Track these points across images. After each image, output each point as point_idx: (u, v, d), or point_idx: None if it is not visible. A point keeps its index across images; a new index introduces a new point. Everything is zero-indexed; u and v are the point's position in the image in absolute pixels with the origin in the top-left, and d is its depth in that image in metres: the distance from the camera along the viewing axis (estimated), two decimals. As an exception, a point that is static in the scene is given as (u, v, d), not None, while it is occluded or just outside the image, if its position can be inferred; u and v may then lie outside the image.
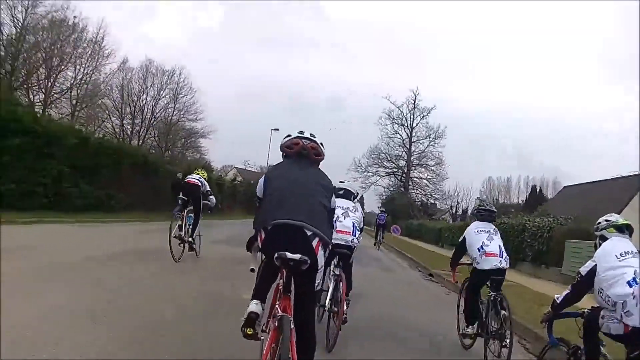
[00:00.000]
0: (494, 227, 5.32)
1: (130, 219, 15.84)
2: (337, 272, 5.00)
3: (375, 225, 23.22)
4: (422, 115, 50.19)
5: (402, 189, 50.37)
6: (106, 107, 43.78)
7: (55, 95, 34.21)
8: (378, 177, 51.75)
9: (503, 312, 4.68)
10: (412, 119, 50.35)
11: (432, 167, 50.01)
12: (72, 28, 34.20)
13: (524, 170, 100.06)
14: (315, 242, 2.83)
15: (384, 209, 26.29)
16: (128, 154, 18.21)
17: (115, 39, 38.20)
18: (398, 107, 50.48)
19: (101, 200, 15.83)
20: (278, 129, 44.10)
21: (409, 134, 50.58)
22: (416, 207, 49.87)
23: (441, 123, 50.98)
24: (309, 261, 2.74)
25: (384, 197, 54.69)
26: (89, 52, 36.76)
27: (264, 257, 3.01)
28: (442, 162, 49.23)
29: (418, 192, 51.79)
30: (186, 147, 51.69)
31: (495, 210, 5.56)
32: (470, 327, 5.19)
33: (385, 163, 51.34)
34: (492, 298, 4.86)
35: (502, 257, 4.98)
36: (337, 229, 4.83)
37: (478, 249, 5.05)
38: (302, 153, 3.21)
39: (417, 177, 51.77)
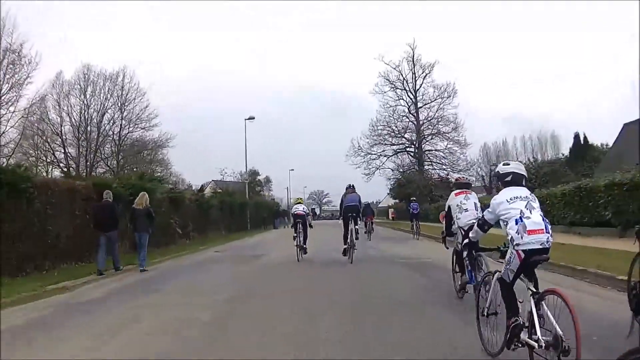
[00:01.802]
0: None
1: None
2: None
3: (410, 215, 22.66)
4: (425, 73, 41.25)
5: (416, 167, 41.24)
6: (43, 133, 36.02)
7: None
8: (385, 159, 42.84)
9: None
10: (414, 79, 41.37)
11: (449, 134, 40.89)
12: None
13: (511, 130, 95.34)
14: None
15: (414, 199, 24.71)
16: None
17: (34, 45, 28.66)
18: (395, 68, 41.51)
19: None
20: (254, 117, 35.39)
21: (414, 98, 41.54)
22: (437, 185, 40.32)
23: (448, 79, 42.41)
24: None
25: (393, 181, 45.81)
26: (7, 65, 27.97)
27: None
28: (459, 125, 40.11)
29: (437, 166, 42.57)
30: (151, 162, 43.75)
31: None
32: None
33: (390, 139, 42.39)
34: None
35: None
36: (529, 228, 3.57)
37: None
38: None
39: (432, 150, 42.51)
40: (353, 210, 11.76)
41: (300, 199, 15.26)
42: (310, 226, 13.11)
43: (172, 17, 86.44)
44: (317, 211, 68.59)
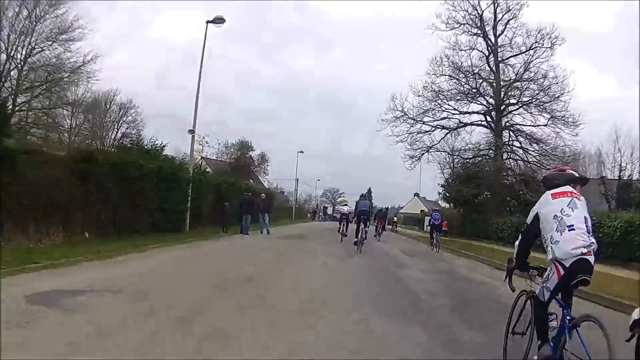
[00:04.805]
0: None
1: None
2: None
3: (430, 225, 20.40)
4: (512, 14, 25.53)
5: (492, 151, 25.44)
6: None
7: None
8: (444, 132, 27.05)
9: None
10: (494, 21, 25.91)
11: (545, 105, 24.76)
12: None
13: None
14: None
15: (437, 209, 21.33)
16: None
17: None
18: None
19: None
20: (223, 20, 19.51)
21: (493, 46, 26.11)
22: (529, 183, 24.01)
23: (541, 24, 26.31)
24: None
25: (448, 172, 30.06)
26: None
27: None
28: (564, 92, 24.46)
29: (529, 155, 25.56)
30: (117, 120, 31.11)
31: None
32: None
33: (461, 100, 26.30)
34: None
35: None
36: None
37: None
38: None
39: (525, 125, 25.77)
40: (364, 214, 15.86)
41: (346, 201, 23.93)
42: (350, 222, 18.58)
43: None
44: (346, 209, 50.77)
